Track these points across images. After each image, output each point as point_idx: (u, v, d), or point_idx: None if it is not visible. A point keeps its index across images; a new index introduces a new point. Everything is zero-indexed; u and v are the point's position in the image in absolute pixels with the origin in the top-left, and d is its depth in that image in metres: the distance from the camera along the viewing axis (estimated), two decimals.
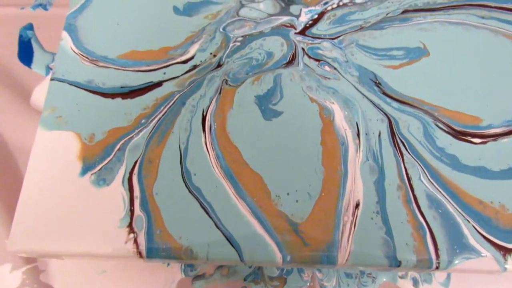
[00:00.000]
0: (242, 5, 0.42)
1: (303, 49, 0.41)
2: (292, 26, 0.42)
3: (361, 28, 0.42)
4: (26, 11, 0.60)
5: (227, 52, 0.40)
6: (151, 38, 0.40)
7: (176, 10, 0.42)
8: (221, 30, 0.41)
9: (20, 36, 0.58)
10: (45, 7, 0.60)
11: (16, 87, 0.54)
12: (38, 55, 0.56)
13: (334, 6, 0.43)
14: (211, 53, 0.40)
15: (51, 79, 0.38)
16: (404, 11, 0.43)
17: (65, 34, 0.40)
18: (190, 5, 0.42)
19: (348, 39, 0.41)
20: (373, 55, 0.41)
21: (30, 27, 0.58)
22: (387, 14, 0.43)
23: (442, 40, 0.42)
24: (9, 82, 0.55)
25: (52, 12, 0.60)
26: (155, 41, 0.40)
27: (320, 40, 0.41)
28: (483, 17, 0.43)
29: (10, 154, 0.52)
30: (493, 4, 0.44)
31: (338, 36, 0.41)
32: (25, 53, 0.57)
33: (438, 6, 0.43)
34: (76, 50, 0.39)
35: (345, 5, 0.43)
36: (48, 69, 0.55)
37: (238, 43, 0.41)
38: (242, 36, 0.41)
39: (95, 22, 0.41)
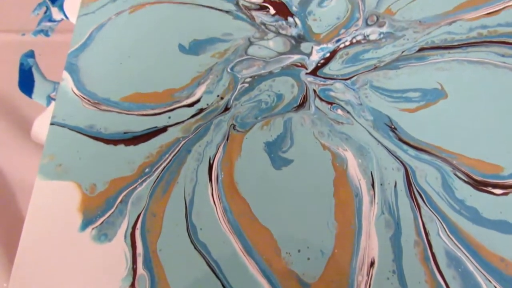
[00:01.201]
0: (251, 43, 0.41)
1: (314, 90, 0.39)
2: (303, 66, 0.40)
3: (376, 68, 0.40)
4: (27, 37, 0.58)
5: (235, 94, 0.38)
6: (155, 79, 0.39)
7: (181, 48, 0.40)
8: (228, 70, 0.39)
9: (21, 64, 0.56)
10: (46, 34, 0.58)
11: (16, 118, 0.53)
12: (39, 84, 0.54)
13: (347, 43, 0.41)
14: (218, 96, 0.38)
15: (51, 124, 0.37)
16: (420, 49, 0.41)
17: (66, 75, 0.39)
18: (196, 43, 0.40)
19: (362, 79, 0.40)
20: (388, 97, 0.39)
21: (31, 54, 0.56)
22: (402, 52, 0.41)
23: (460, 80, 0.40)
24: (9, 112, 0.54)
25: (54, 38, 0.58)
26: (160, 82, 0.38)
27: (332, 81, 0.39)
28: (503, 55, 0.41)
29: (10, 189, 0.50)
30: None
31: (352, 77, 0.40)
32: (26, 82, 0.55)
33: (455, 44, 0.41)
34: (77, 92, 0.38)
35: (358, 42, 0.41)
36: (49, 99, 0.54)
37: (247, 85, 0.39)
38: (250, 77, 0.39)
39: (97, 61, 0.39)
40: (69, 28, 0.58)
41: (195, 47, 0.40)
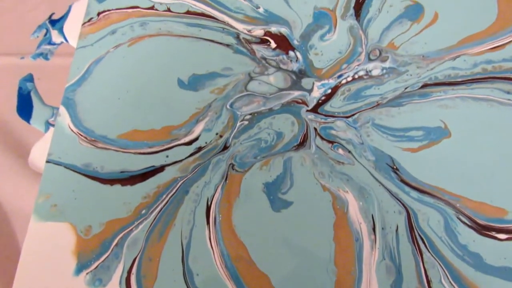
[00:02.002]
0: (251, 78, 0.40)
1: (315, 129, 0.38)
2: (304, 103, 0.39)
3: (378, 105, 0.39)
4: (26, 61, 0.58)
5: (234, 132, 0.38)
6: (153, 115, 0.38)
7: (180, 83, 0.39)
8: (228, 107, 0.39)
9: (20, 89, 0.56)
10: (46, 57, 0.58)
11: (14, 144, 0.52)
12: (37, 110, 0.54)
13: (349, 79, 0.40)
14: (217, 134, 0.38)
15: (47, 161, 0.36)
16: (424, 85, 0.40)
17: (62, 110, 0.38)
18: (196, 78, 0.40)
19: (364, 117, 0.39)
20: (390, 136, 0.38)
21: (30, 78, 0.56)
22: (405, 88, 0.40)
23: (464, 118, 0.39)
24: (6, 138, 0.53)
25: (54, 62, 0.58)
26: (158, 119, 0.38)
27: (333, 119, 0.39)
28: (508, 92, 0.40)
29: (7, 218, 0.50)
30: None
31: (353, 114, 0.39)
32: (24, 107, 0.54)
33: (459, 80, 0.41)
34: (74, 129, 0.37)
35: (360, 78, 0.40)
36: (48, 124, 0.53)
37: (246, 122, 0.38)
38: (250, 114, 0.39)
39: (95, 96, 0.39)
40: (69, 51, 0.58)
41: (195, 82, 0.40)
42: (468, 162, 0.38)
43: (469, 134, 0.39)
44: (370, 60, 0.42)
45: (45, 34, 0.59)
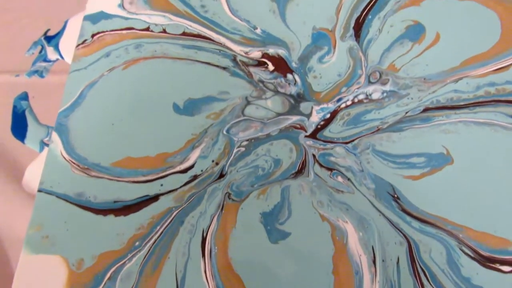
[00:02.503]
0: (248, 102, 0.39)
1: (314, 155, 0.37)
2: (302, 128, 0.38)
3: (378, 130, 0.38)
4: (21, 78, 0.57)
5: (230, 159, 0.37)
6: (148, 142, 0.37)
7: (176, 108, 0.39)
8: (224, 132, 0.38)
9: (14, 107, 0.55)
10: (41, 75, 0.57)
11: (8, 165, 0.52)
12: (32, 129, 0.53)
13: (349, 103, 0.39)
14: (213, 161, 0.37)
15: (39, 191, 0.35)
16: (425, 109, 0.39)
17: (55, 137, 0.37)
18: (191, 102, 0.39)
19: (364, 143, 0.38)
20: (391, 162, 0.37)
21: (24, 96, 0.55)
22: (406, 112, 0.39)
23: (467, 144, 0.38)
24: (0, 158, 0.52)
25: (49, 79, 0.57)
26: (152, 146, 0.37)
27: (332, 145, 0.38)
28: None
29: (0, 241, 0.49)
30: None
31: (353, 140, 0.38)
32: (19, 126, 0.54)
33: (462, 103, 0.40)
34: (66, 157, 0.36)
35: (360, 102, 0.40)
36: (42, 144, 0.52)
37: (243, 149, 0.37)
38: (247, 140, 0.38)
39: (88, 122, 0.38)
40: (65, 68, 0.57)
41: (190, 107, 0.39)
42: (471, 190, 0.37)
43: (472, 160, 0.38)
44: (370, 83, 0.41)
45: (40, 51, 0.59)
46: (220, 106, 0.39)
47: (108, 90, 0.40)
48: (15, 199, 0.50)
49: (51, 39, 0.60)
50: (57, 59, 0.58)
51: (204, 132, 0.38)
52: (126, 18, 0.43)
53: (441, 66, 0.42)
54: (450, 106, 0.40)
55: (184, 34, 0.42)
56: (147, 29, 0.42)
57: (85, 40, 0.42)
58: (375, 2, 0.44)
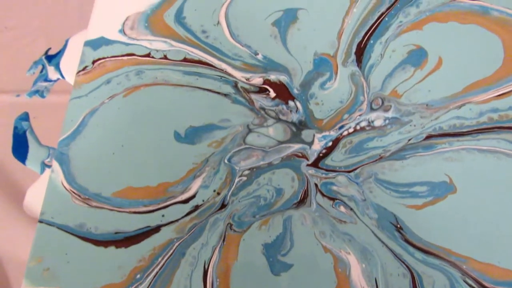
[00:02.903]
0: (250, 130, 0.39)
1: (316, 185, 0.37)
2: (304, 156, 0.38)
3: (381, 158, 0.38)
4: (22, 98, 0.57)
5: (232, 189, 0.37)
6: (149, 171, 0.37)
7: (177, 136, 0.38)
8: (226, 161, 0.38)
9: (15, 128, 0.55)
10: (42, 95, 0.57)
11: (9, 187, 0.51)
12: (33, 150, 0.53)
13: (351, 130, 0.39)
14: (214, 191, 0.37)
15: (39, 221, 0.35)
16: (428, 136, 0.39)
17: (55, 166, 0.37)
18: (192, 130, 0.39)
19: (366, 172, 0.38)
20: (393, 191, 0.37)
21: (25, 117, 0.55)
22: (409, 140, 0.39)
23: (470, 172, 0.38)
24: (1, 180, 0.52)
25: (50, 99, 0.57)
26: (153, 175, 0.37)
27: (335, 174, 0.38)
28: None
29: (1, 265, 0.49)
30: None
31: (355, 168, 0.38)
32: (20, 147, 0.54)
33: (465, 130, 0.39)
34: (67, 186, 0.36)
35: (362, 129, 0.39)
36: (44, 166, 0.52)
37: (245, 178, 0.37)
38: (249, 169, 0.38)
39: (89, 151, 0.38)
40: (66, 88, 0.57)
41: (192, 135, 0.39)
42: (474, 219, 0.36)
43: (475, 189, 0.38)
44: (372, 109, 0.40)
45: (41, 71, 0.59)
46: (221, 134, 0.39)
47: (109, 118, 0.39)
48: (16, 221, 0.50)
49: (52, 58, 0.60)
50: (58, 79, 0.58)
51: (205, 161, 0.38)
52: (127, 44, 0.42)
53: (443, 92, 0.41)
54: (453, 133, 0.40)
55: (185, 60, 0.42)
56: (148, 55, 0.42)
57: (86, 67, 0.42)
58: (376, 27, 0.44)
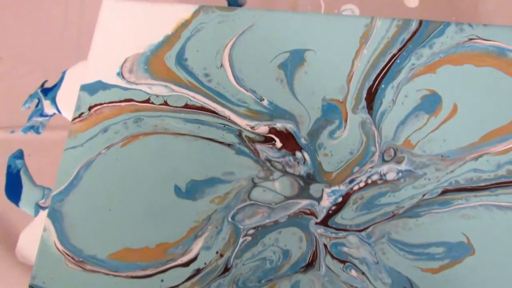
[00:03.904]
0: (255, 184, 0.37)
1: (325, 245, 0.35)
2: (313, 214, 0.36)
3: (394, 216, 0.36)
4: (16, 135, 0.55)
5: (236, 250, 0.35)
6: (148, 230, 0.35)
7: (178, 191, 0.36)
8: (229, 219, 0.36)
9: (8, 167, 0.53)
10: (37, 131, 0.55)
11: (1, 231, 0.49)
12: (27, 191, 0.51)
13: (362, 185, 0.37)
14: (217, 252, 0.35)
15: (30, 286, 0.33)
16: (444, 191, 0.37)
17: (48, 224, 0.35)
18: (194, 184, 0.37)
19: (379, 231, 0.36)
20: (408, 253, 0.35)
21: (19, 155, 0.53)
22: (423, 195, 0.37)
23: (489, 231, 0.36)
24: None
25: (45, 136, 0.55)
26: (152, 235, 0.35)
27: (345, 233, 0.35)
28: None
29: None
30: None
31: (367, 227, 0.36)
32: (13, 187, 0.52)
33: (482, 184, 0.37)
34: (60, 247, 0.34)
35: (374, 183, 0.37)
36: (38, 207, 0.50)
37: (249, 238, 0.35)
38: (254, 228, 0.35)
39: (84, 208, 0.36)
40: (62, 124, 0.55)
41: (193, 190, 0.37)
42: (494, 284, 0.34)
43: (495, 250, 0.36)
44: (384, 161, 0.38)
45: (37, 105, 0.57)
46: (224, 189, 0.37)
47: (106, 170, 0.37)
48: (8, 267, 0.47)
49: (48, 91, 0.58)
50: (54, 114, 0.56)
51: (207, 219, 0.36)
52: (126, 89, 0.40)
53: (459, 142, 0.39)
54: (470, 187, 0.38)
55: (186, 106, 0.40)
56: (148, 101, 0.40)
57: (82, 113, 0.39)
58: (388, 69, 0.42)
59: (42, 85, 0.57)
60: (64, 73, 0.58)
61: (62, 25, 0.61)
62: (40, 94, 0.57)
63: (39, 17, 0.62)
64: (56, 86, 0.57)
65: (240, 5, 0.63)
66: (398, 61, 0.42)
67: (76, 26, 0.60)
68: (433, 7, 0.63)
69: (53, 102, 0.56)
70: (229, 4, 0.63)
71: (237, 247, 0.35)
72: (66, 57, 0.59)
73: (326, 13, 0.57)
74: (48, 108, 0.56)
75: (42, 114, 0.56)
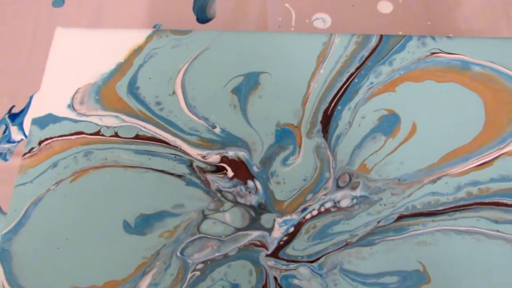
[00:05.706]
0: (205, 217, 0.37)
1: (275, 278, 0.35)
2: (263, 246, 0.36)
3: (347, 245, 0.36)
4: None
5: (184, 286, 0.35)
6: (96, 267, 0.35)
7: (126, 226, 0.37)
8: (178, 254, 0.36)
9: None
10: (5, 158, 0.55)
11: None
12: None
13: (315, 213, 0.37)
14: None
15: None
16: (399, 217, 0.37)
17: None
18: (143, 219, 0.37)
19: (331, 261, 0.35)
20: (360, 284, 0.35)
21: None
22: (378, 222, 0.37)
23: (446, 258, 0.36)
24: None
25: (13, 163, 0.55)
26: (100, 273, 0.35)
27: (296, 265, 0.35)
28: (496, 221, 0.37)
29: None
30: (509, 201, 0.37)
31: (319, 258, 0.35)
32: None
33: (440, 209, 0.37)
34: None
35: (327, 211, 0.37)
36: None
37: (198, 273, 0.35)
38: (203, 262, 0.35)
39: (32, 246, 0.36)
40: None
41: (142, 225, 0.37)
42: None
43: (450, 278, 0.35)
44: (338, 187, 0.38)
45: (4, 131, 0.57)
46: (174, 223, 0.37)
47: (54, 207, 0.38)
48: None
49: (16, 117, 0.58)
50: (22, 139, 0.57)
51: (156, 255, 0.36)
52: (76, 121, 0.41)
53: (417, 164, 0.39)
54: (427, 212, 0.37)
55: (137, 137, 0.40)
56: (98, 133, 0.40)
57: (32, 148, 0.40)
58: (345, 90, 0.41)
59: (10, 110, 0.58)
60: (31, 97, 0.59)
61: (29, 49, 0.61)
62: (8, 120, 0.58)
63: (6, 41, 0.62)
64: (23, 111, 0.58)
65: (209, 19, 0.63)
66: (356, 80, 0.42)
67: (44, 50, 0.60)
68: (408, 11, 0.62)
69: (20, 127, 0.57)
70: (198, 19, 0.63)
71: (185, 283, 0.35)
72: (33, 81, 0.59)
73: (283, 31, 0.57)
74: (15, 134, 0.57)
75: (9, 141, 0.56)
